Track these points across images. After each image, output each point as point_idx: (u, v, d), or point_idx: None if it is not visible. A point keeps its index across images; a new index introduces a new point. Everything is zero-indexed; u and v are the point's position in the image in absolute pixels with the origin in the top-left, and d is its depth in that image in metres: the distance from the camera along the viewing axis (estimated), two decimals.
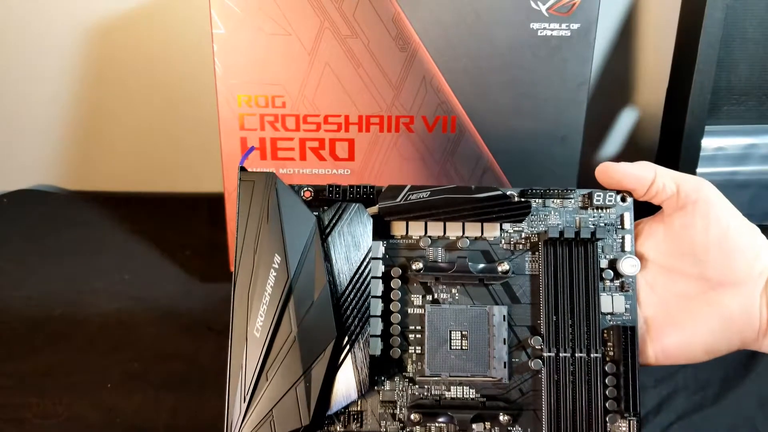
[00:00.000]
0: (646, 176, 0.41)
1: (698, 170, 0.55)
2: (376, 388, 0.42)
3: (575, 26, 0.46)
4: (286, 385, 0.38)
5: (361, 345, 0.39)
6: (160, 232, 0.68)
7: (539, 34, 0.47)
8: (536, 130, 0.50)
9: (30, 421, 0.46)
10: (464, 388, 0.42)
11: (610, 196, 0.43)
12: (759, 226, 0.40)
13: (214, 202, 0.65)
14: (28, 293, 0.57)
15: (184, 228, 0.69)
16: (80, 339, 0.54)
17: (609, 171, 0.42)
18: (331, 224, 0.41)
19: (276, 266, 0.39)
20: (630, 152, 0.66)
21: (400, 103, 0.48)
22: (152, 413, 0.49)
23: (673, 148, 0.56)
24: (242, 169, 0.40)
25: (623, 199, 0.44)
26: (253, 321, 0.38)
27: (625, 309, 0.42)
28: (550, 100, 0.49)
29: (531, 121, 0.50)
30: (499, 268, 0.43)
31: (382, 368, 0.42)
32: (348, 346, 0.39)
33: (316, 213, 0.43)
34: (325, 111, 0.49)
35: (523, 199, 0.42)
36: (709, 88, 0.51)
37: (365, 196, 0.43)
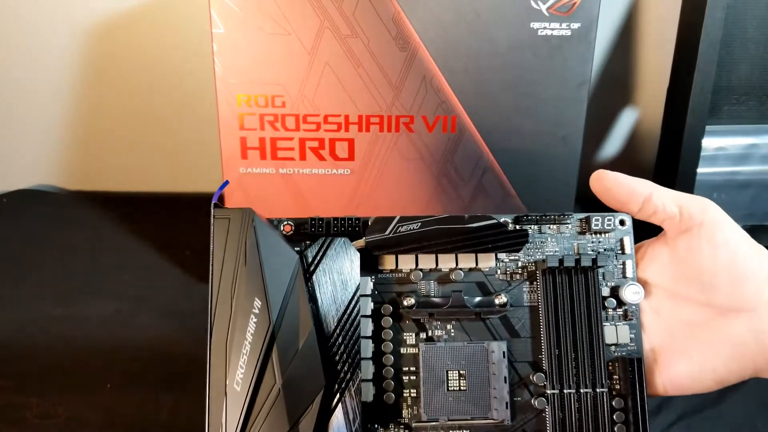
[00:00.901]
0: (640, 191, 0.39)
1: (699, 170, 0.53)
2: None
3: (576, 26, 0.46)
4: None
5: (352, 392, 0.36)
6: (160, 232, 0.68)
7: (539, 33, 0.46)
8: (537, 129, 0.50)
9: (30, 421, 0.46)
10: None
11: (609, 220, 0.41)
12: (759, 226, 0.38)
13: None
14: (28, 293, 0.57)
15: (184, 228, 0.68)
16: (80, 339, 0.54)
17: (603, 179, 0.40)
18: (315, 261, 0.37)
19: (256, 312, 0.35)
20: (631, 152, 0.65)
21: (400, 102, 0.48)
22: (152, 413, 0.48)
23: (674, 147, 0.55)
24: (216, 205, 0.37)
25: (622, 223, 0.41)
26: (233, 374, 0.35)
27: (630, 339, 0.40)
28: (551, 99, 0.48)
29: (531, 120, 0.49)
30: (497, 301, 0.40)
31: (375, 415, 0.39)
32: (338, 395, 0.36)
33: (298, 248, 0.39)
34: (324, 111, 0.48)
35: (519, 227, 0.40)
36: (710, 88, 0.50)
37: (351, 228, 0.40)
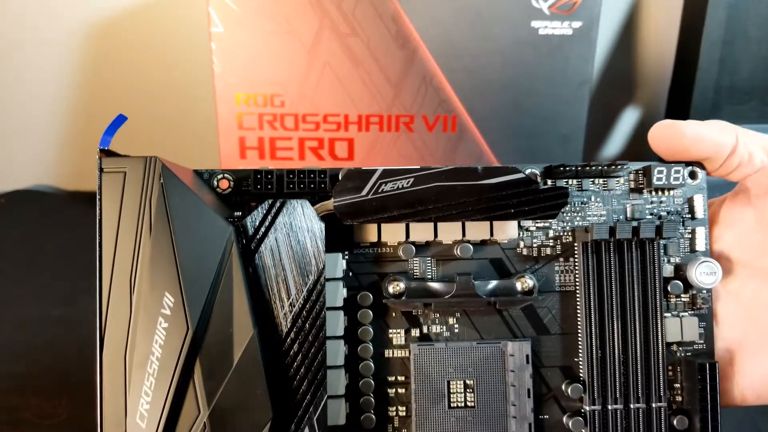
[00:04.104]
0: (726, 142, 0.28)
1: None
2: None
3: (577, 25, 0.46)
4: None
5: (314, 420, 0.25)
6: None
7: (540, 32, 0.46)
8: (538, 129, 0.50)
9: (30, 421, 0.46)
10: None
11: (677, 171, 0.29)
12: None
13: None
14: (27, 293, 0.56)
15: None
16: (79, 339, 0.53)
17: (676, 131, 0.28)
18: (260, 234, 0.26)
19: (167, 312, 0.24)
20: (632, 152, 0.66)
21: (400, 102, 0.48)
22: None
23: None
24: (106, 152, 0.24)
25: (692, 175, 0.30)
26: (135, 403, 0.23)
27: (699, 335, 0.29)
28: (552, 99, 0.49)
29: (532, 120, 0.49)
30: (519, 286, 0.29)
31: None
32: (293, 427, 0.25)
33: (238, 214, 0.28)
34: (324, 110, 0.49)
35: (555, 184, 0.28)
36: (712, 88, 0.51)
37: (313, 185, 0.28)
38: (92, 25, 0.59)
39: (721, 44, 0.50)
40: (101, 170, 0.24)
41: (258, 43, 0.46)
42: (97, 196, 0.24)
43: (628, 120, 0.63)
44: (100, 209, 0.24)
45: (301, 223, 0.26)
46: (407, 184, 0.26)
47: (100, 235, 0.24)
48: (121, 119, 0.24)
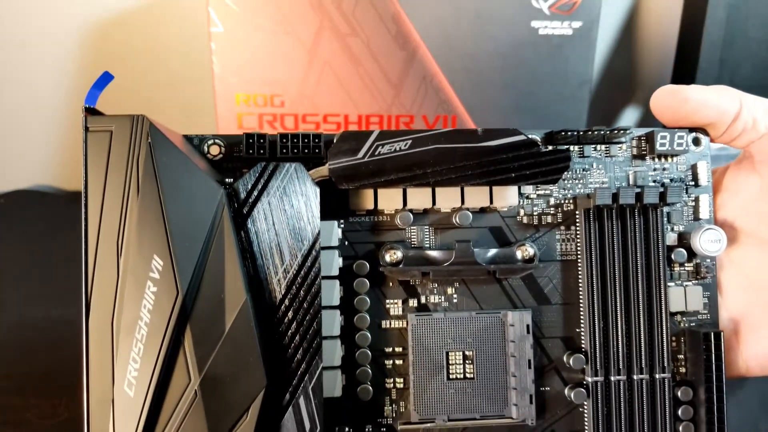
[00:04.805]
0: (729, 107, 0.28)
1: None
2: None
3: (577, 25, 0.46)
4: None
5: (309, 390, 0.24)
6: None
7: (540, 32, 0.46)
8: (538, 129, 0.48)
9: (30, 421, 0.46)
10: None
11: (680, 137, 0.29)
12: None
13: None
14: (27, 294, 0.56)
15: None
16: (79, 339, 0.50)
17: (679, 97, 0.28)
18: (253, 198, 0.25)
19: (155, 276, 0.23)
20: None
21: (400, 102, 0.47)
22: None
23: None
24: (91, 110, 0.24)
25: (696, 142, 0.29)
26: (122, 371, 0.22)
27: (704, 305, 0.29)
28: (552, 99, 0.49)
29: (532, 120, 0.49)
30: (519, 254, 0.28)
31: (345, 417, 0.27)
32: (288, 396, 0.24)
33: (229, 180, 0.27)
34: (324, 110, 0.49)
35: (556, 148, 0.27)
36: None
37: (307, 150, 0.27)
38: (92, 25, 0.60)
39: (721, 44, 0.50)
40: (86, 129, 0.23)
41: (258, 43, 0.46)
42: (83, 157, 0.23)
43: (628, 120, 0.63)
44: (86, 170, 0.23)
45: (295, 187, 0.25)
46: (405, 146, 0.25)
47: (86, 197, 0.23)
48: (107, 77, 0.23)
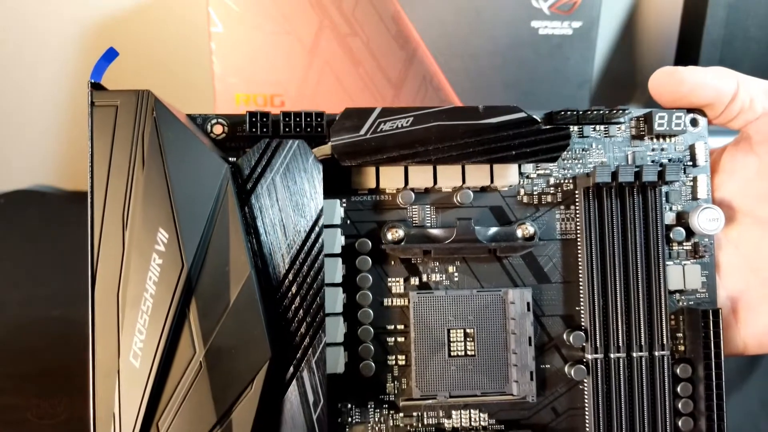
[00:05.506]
0: (727, 87, 0.28)
1: None
2: (340, 421, 0.28)
3: (577, 24, 0.46)
4: None
5: (312, 364, 0.25)
6: None
7: (540, 32, 0.46)
8: None
9: (30, 421, 0.46)
10: (472, 413, 0.28)
11: (678, 118, 0.29)
12: None
13: None
14: (27, 294, 0.56)
15: None
16: (79, 339, 0.51)
17: (677, 78, 0.28)
18: (256, 175, 0.25)
19: (161, 248, 0.23)
20: None
21: (400, 102, 0.48)
22: None
23: None
24: (96, 85, 0.24)
25: (694, 123, 0.30)
26: (128, 342, 0.23)
27: (702, 283, 0.29)
28: (552, 99, 0.49)
29: None
30: (520, 233, 0.28)
31: (348, 393, 0.28)
32: (292, 369, 0.24)
33: (233, 159, 0.27)
34: (324, 110, 0.45)
35: (557, 125, 0.27)
36: None
37: (310, 129, 0.27)
38: (92, 25, 0.60)
39: (721, 44, 0.50)
40: (92, 104, 0.23)
41: (258, 43, 0.46)
42: (88, 131, 0.23)
43: None
44: (92, 145, 0.23)
45: (298, 164, 0.25)
46: (407, 123, 0.26)
47: (92, 171, 0.23)
48: (112, 53, 0.24)
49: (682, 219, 0.29)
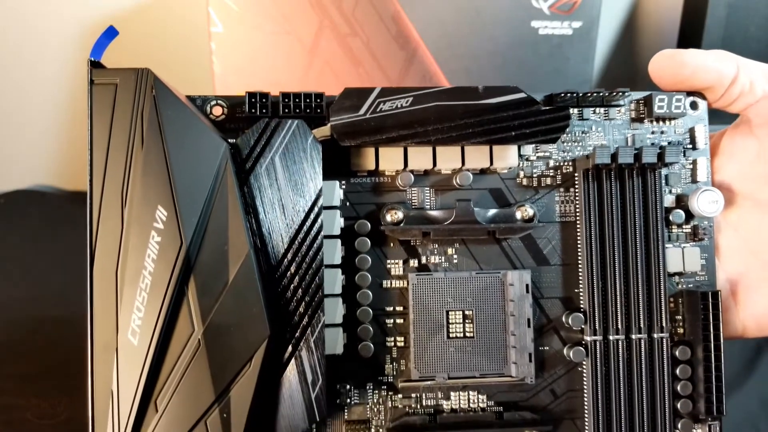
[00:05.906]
0: (727, 70, 0.28)
1: None
2: (338, 402, 0.28)
3: (577, 24, 0.46)
4: (191, 417, 0.23)
5: (311, 343, 0.25)
6: None
7: (540, 32, 0.46)
8: None
9: (30, 421, 0.46)
10: (470, 394, 0.29)
11: (678, 100, 0.29)
12: None
13: None
14: (27, 294, 0.56)
15: None
16: (79, 339, 0.51)
17: (677, 61, 0.28)
18: (255, 155, 0.25)
19: (159, 226, 0.23)
20: None
21: None
22: None
23: None
24: (95, 63, 0.24)
25: (693, 106, 0.29)
26: (126, 319, 0.23)
27: (701, 266, 0.29)
28: None
29: None
30: (519, 215, 0.28)
31: (346, 374, 0.28)
32: (291, 348, 0.24)
33: (232, 141, 0.27)
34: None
35: (556, 106, 0.27)
36: None
37: (309, 110, 0.27)
38: (92, 25, 0.60)
39: (721, 44, 0.49)
40: (92, 82, 0.23)
41: (258, 43, 0.46)
42: (88, 110, 0.23)
43: None
44: (91, 122, 0.23)
45: (297, 144, 0.25)
46: (406, 103, 0.26)
47: (91, 149, 0.23)
48: (112, 31, 0.24)
49: (681, 202, 0.29)
